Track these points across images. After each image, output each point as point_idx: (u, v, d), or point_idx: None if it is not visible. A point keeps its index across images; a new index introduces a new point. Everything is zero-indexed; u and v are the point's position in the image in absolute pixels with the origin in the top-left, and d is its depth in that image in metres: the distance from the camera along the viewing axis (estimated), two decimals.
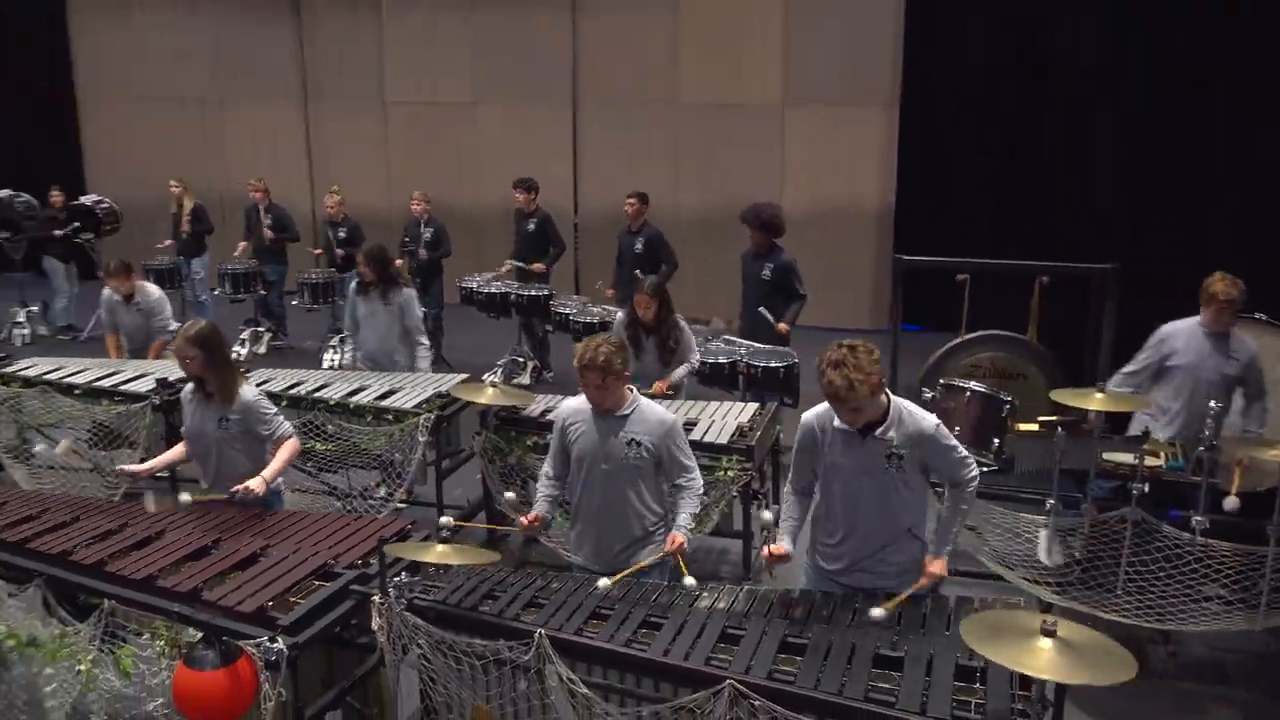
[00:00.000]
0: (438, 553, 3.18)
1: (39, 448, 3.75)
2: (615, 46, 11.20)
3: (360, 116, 12.38)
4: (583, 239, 11.39)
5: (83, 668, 3.38)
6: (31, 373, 6.13)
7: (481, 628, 3.19)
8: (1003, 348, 5.40)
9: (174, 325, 6.63)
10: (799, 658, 2.96)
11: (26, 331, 10.23)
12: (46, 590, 3.53)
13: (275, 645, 3.06)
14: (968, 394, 4.66)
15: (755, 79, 10.77)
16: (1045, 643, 2.45)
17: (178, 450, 4.52)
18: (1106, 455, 4.52)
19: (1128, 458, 4.49)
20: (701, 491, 3.95)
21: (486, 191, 11.48)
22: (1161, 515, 4.31)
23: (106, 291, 6.86)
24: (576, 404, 3.94)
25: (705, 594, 3.41)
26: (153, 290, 6.97)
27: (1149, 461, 4.41)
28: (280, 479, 4.35)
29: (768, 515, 3.61)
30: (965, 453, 3.61)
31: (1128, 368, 5.11)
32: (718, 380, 6.38)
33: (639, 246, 8.13)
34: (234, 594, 3.34)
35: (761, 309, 6.92)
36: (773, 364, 6.29)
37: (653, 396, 5.24)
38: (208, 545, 3.72)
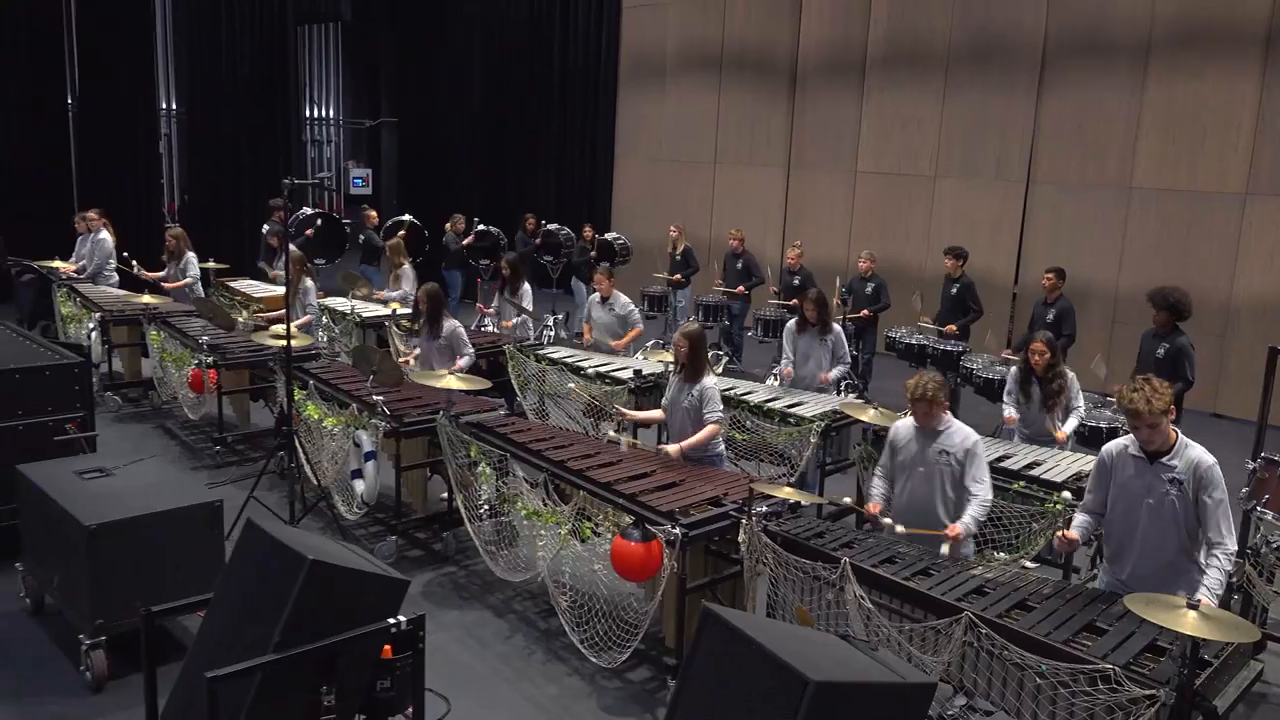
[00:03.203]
0: (786, 491, 4.61)
1: None
2: (1074, 128, 11.75)
3: (832, 182, 14.10)
4: (1019, 309, 12.05)
5: (562, 532, 5.26)
6: (554, 356, 8.52)
7: (808, 552, 4.54)
8: None
9: (642, 325, 9.01)
10: (1028, 613, 3.95)
11: (551, 334, 13.19)
12: (549, 482, 5.48)
13: (675, 531, 4.67)
14: None
15: (1217, 167, 10.77)
16: (1190, 614, 3.27)
17: (657, 413, 6.33)
18: None
19: None
20: (988, 503, 4.91)
21: (937, 257, 12.51)
22: None
23: (595, 295, 9.15)
24: (906, 424, 5.14)
25: (981, 568, 4.46)
26: (623, 296, 9.12)
27: None
28: (723, 448, 6.15)
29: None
30: (1229, 524, 4.08)
31: None
32: (1097, 443, 6.99)
33: (1050, 316, 8.84)
34: (657, 500, 5.03)
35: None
36: None
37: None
38: (648, 472, 5.48)
